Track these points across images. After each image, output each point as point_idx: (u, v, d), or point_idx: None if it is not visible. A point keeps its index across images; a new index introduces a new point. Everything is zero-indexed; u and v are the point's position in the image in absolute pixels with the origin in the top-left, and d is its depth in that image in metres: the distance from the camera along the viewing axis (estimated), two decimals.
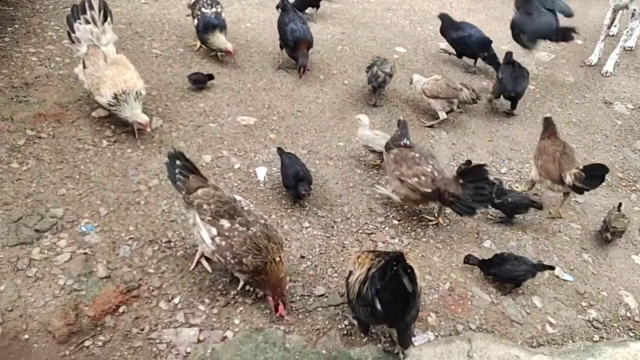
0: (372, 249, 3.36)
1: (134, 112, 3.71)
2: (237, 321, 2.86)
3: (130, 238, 3.18)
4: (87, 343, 2.63)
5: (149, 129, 3.86)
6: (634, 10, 5.81)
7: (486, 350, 2.89)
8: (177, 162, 2.96)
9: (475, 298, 3.22)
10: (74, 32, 3.88)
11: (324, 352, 2.77)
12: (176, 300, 2.90)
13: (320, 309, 3.01)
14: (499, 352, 2.89)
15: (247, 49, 5.38)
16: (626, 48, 6.57)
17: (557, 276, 3.48)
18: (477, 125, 4.91)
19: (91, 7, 3.83)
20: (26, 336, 2.62)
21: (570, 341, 3.12)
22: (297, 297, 3.05)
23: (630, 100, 5.72)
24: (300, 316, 2.95)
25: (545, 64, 6.20)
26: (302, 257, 3.30)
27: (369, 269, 2.49)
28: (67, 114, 3.97)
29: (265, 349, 2.72)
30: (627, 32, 6.02)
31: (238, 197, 2.97)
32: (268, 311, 2.92)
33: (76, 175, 3.51)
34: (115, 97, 3.64)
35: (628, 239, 3.89)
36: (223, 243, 2.78)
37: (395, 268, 2.32)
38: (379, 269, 2.42)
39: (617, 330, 3.25)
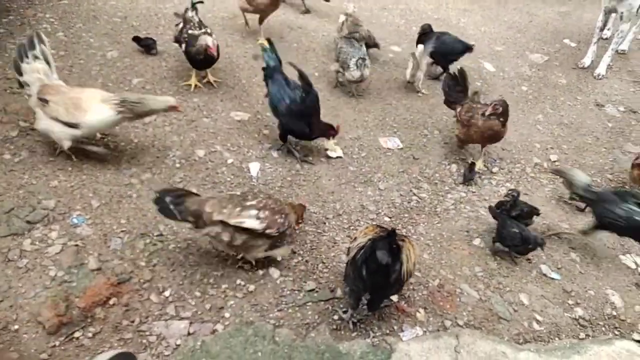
0: (380, 224, 3.28)
1: None
2: (227, 314, 2.88)
3: (122, 231, 3.19)
4: (77, 334, 2.64)
5: None
6: (622, 13, 5.87)
7: (473, 346, 2.92)
8: (167, 198, 2.82)
9: (464, 295, 3.25)
10: None
11: (313, 346, 2.79)
12: (167, 293, 2.92)
13: (310, 303, 3.03)
14: (486, 348, 2.93)
15: (242, 45, 5.39)
16: (619, 51, 6.64)
17: (544, 274, 3.52)
18: None
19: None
20: (16, 326, 2.63)
21: (557, 338, 3.16)
22: (287, 292, 3.07)
23: (621, 102, 5.78)
24: (290, 310, 2.97)
25: (538, 65, 6.24)
26: (294, 252, 3.31)
27: (369, 239, 2.66)
28: None
29: (255, 342, 2.74)
30: (618, 34, 6.07)
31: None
32: (258, 305, 2.95)
33: (68, 167, 3.51)
34: None
35: (616, 239, 3.94)
36: (267, 214, 2.91)
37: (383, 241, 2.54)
38: (373, 240, 2.61)
39: (603, 328, 3.29)
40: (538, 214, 3.72)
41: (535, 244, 3.42)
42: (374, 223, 3.23)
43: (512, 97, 5.48)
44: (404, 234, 3.11)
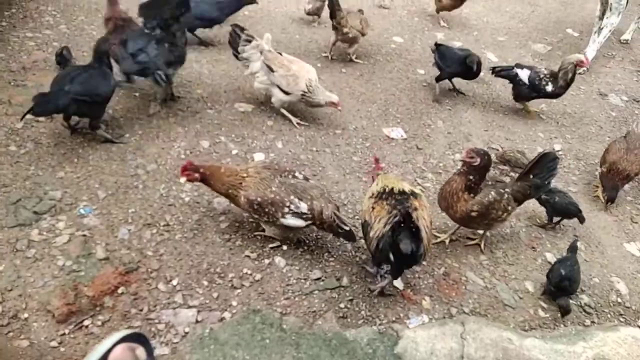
0: (383, 192, 3.00)
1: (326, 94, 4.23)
2: (234, 303, 2.90)
3: (129, 221, 3.21)
4: (86, 322, 2.66)
5: (339, 108, 4.27)
6: (611, 4, 5.81)
7: (479, 333, 2.94)
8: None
9: (469, 283, 3.27)
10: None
11: (320, 333, 2.81)
12: (174, 282, 2.93)
13: (316, 292, 3.04)
14: (492, 335, 2.95)
15: None
16: (622, 41, 6.62)
17: (549, 262, 3.53)
18: (473, 114, 4.95)
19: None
20: (26, 315, 2.64)
21: (562, 325, 3.17)
22: (294, 281, 3.08)
23: (624, 92, 5.77)
24: (296, 299, 2.98)
25: (541, 55, 6.23)
26: (299, 241, 3.33)
27: (384, 225, 2.75)
28: None
29: (263, 330, 2.76)
30: (607, 26, 5.92)
31: None
32: (265, 294, 2.97)
33: (74, 158, 3.52)
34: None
35: (620, 227, 3.95)
36: None
37: (402, 226, 2.64)
38: (392, 230, 2.69)
39: (608, 315, 3.30)
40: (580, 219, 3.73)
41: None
42: (375, 195, 2.98)
43: None
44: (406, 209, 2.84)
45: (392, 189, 2.94)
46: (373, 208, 2.88)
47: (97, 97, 3.52)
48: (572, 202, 3.72)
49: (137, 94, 4.22)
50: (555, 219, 3.76)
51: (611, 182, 4.02)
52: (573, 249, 3.41)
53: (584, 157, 4.67)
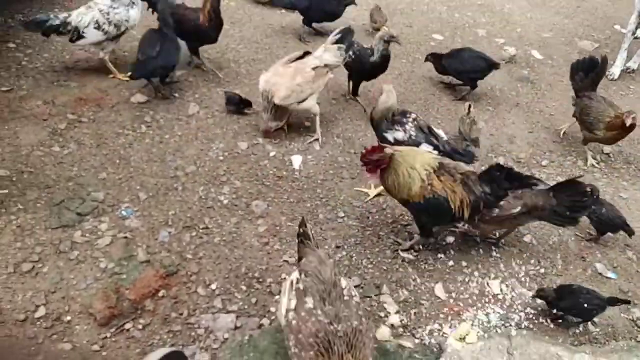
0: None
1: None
2: (273, 309, 2.86)
3: (169, 223, 3.21)
4: (127, 326, 2.67)
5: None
6: None
7: (526, 348, 2.81)
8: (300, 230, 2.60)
9: (516, 294, 3.14)
10: None
11: None
12: (214, 287, 2.92)
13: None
14: (540, 350, 2.81)
15: (282, 35, 5.34)
16: None
17: (600, 273, 3.36)
18: (517, 115, 4.77)
19: None
20: (68, 317, 2.67)
21: (613, 340, 3.01)
22: None
23: None
24: None
25: (588, 52, 5.95)
26: (337, 246, 3.27)
27: (465, 184, 2.98)
28: (106, 98, 4.02)
29: None
30: None
31: (345, 283, 2.41)
32: None
33: (116, 159, 3.55)
34: None
35: None
36: (294, 322, 2.24)
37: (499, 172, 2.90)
38: (487, 179, 2.97)
39: None
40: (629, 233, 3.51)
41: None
42: (423, 179, 2.97)
43: (562, 86, 5.25)
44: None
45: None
46: (430, 185, 2.95)
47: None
48: (618, 215, 3.50)
49: (176, 95, 4.23)
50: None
51: None
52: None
53: (635, 160, 4.44)
